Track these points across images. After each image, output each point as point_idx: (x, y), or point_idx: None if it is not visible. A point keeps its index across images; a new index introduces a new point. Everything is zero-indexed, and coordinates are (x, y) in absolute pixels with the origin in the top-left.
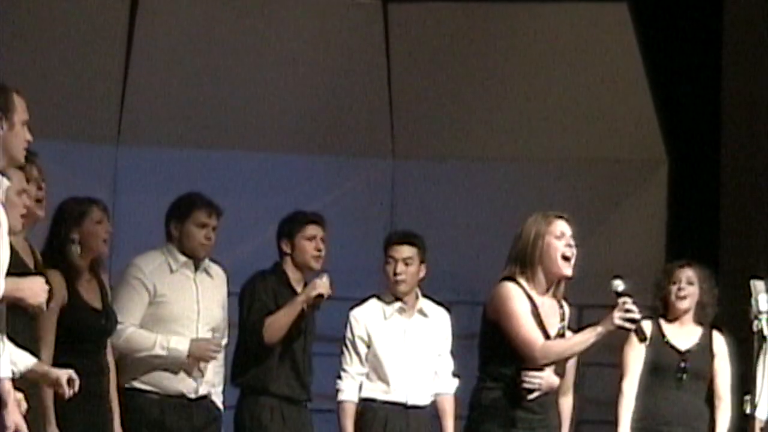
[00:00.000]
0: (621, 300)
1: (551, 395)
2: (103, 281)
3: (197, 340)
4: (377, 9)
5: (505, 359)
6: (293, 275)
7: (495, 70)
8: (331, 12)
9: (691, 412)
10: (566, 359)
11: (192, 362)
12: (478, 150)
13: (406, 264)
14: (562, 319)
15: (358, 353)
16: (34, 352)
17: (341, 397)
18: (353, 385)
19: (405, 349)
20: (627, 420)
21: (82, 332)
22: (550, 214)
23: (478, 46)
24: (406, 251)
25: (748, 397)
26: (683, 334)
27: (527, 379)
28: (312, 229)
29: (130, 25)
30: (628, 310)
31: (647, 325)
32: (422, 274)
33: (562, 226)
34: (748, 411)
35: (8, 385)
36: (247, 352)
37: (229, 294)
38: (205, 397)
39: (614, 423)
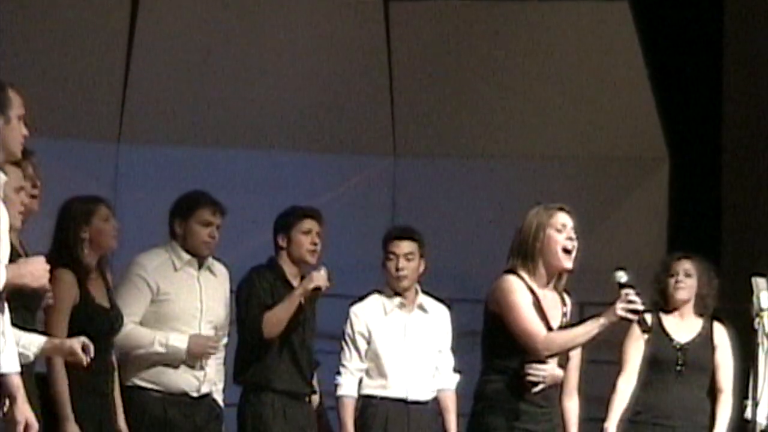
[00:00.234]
0: (624, 291)
1: (555, 388)
2: (108, 280)
3: (196, 337)
4: (378, 7)
5: (509, 352)
6: (289, 270)
7: (496, 67)
8: (333, 10)
9: (691, 405)
10: (568, 351)
11: (191, 359)
12: (479, 147)
13: (408, 259)
14: (565, 313)
15: (357, 349)
16: None
17: (340, 392)
18: (352, 381)
19: (405, 344)
20: (616, 416)
21: (93, 331)
22: (551, 207)
23: (479, 44)
24: (407, 247)
25: (747, 402)
26: (683, 327)
27: (531, 371)
28: (308, 224)
29: (131, 23)
30: (630, 301)
31: (649, 317)
32: (422, 269)
33: (563, 219)
34: (749, 416)
35: (17, 380)
36: (248, 349)
37: (231, 291)
38: (207, 396)
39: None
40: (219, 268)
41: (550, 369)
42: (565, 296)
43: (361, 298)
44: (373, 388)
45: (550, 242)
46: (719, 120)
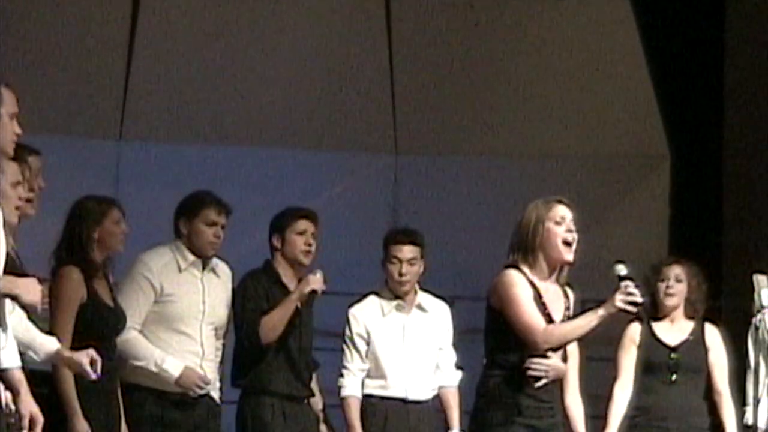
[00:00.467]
0: (623, 283)
1: (557, 383)
2: (110, 281)
3: (190, 370)
4: (380, 4)
5: (511, 347)
6: (284, 272)
7: (498, 65)
8: (334, 7)
9: (686, 407)
10: (568, 343)
11: (178, 387)
12: (480, 145)
13: (411, 264)
14: (567, 307)
15: (358, 350)
16: None
17: (345, 393)
18: (356, 381)
19: (404, 345)
20: (615, 423)
21: (98, 329)
22: (550, 200)
23: (481, 41)
24: (410, 251)
25: (747, 408)
26: (674, 331)
27: (533, 366)
28: (303, 224)
29: (133, 20)
30: (630, 294)
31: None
32: (421, 269)
33: (562, 211)
34: (750, 422)
35: (19, 374)
36: (245, 354)
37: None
38: (205, 394)
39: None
40: (223, 268)
41: (552, 363)
42: (568, 290)
43: (359, 300)
44: (373, 387)
45: (549, 235)
46: (721, 118)
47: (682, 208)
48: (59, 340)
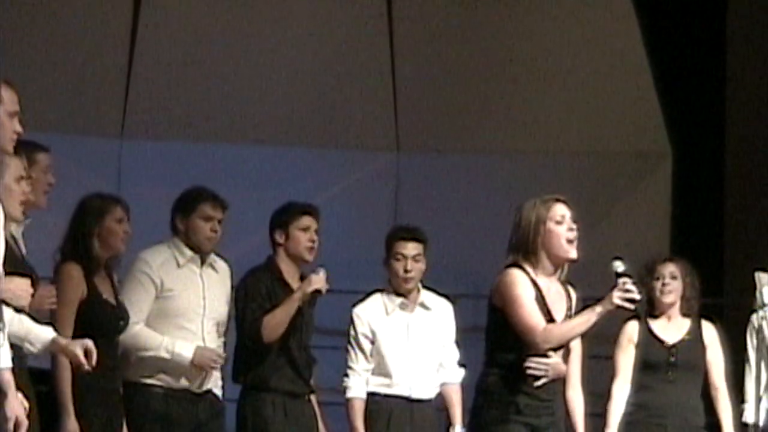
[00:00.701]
0: (621, 280)
1: (558, 381)
2: (114, 281)
3: (202, 349)
4: (381, 3)
5: (511, 346)
6: (287, 269)
7: (499, 63)
8: (335, 5)
9: (684, 404)
10: (568, 342)
11: (193, 369)
12: (482, 143)
13: (416, 261)
14: (570, 306)
15: (362, 350)
16: None
17: (350, 394)
18: (360, 382)
19: (408, 343)
20: (615, 421)
21: (100, 326)
22: (547, 199)
23: (482, 39)
24: (415, 248)
25: (745, 406)
26: (671, 328)
27: (533, 365)
28: (306, 220)
29: (134, 19)
30: (627, 290)
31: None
32: (424, 267)
33: (561, 210)
34: (750, 420)
35: (8, 376)
36: (247, 352)
37: (233, 288)
38: (209, 391)
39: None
40: (221, 264)
41: (552, 362)
42: (570, 289)
43: (363, 299)
44: (377, 386)
45: (551, 236)
46: (722, 115)
47: (684, 205)
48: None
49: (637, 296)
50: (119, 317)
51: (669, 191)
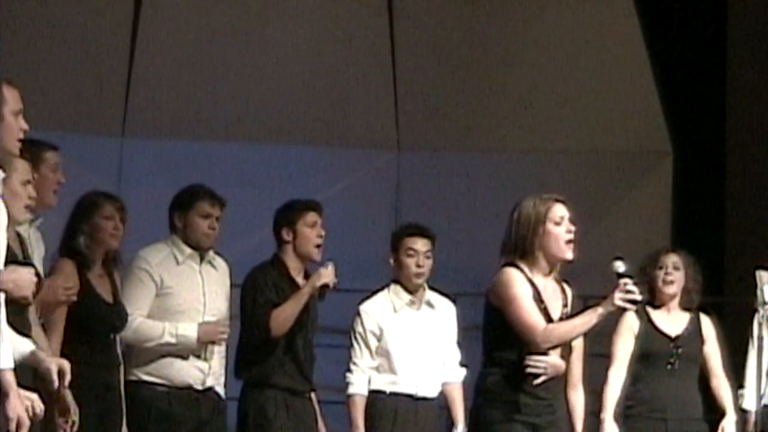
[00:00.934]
0: (622, 281)
1: (558, 380)
2: (115, 279)
3: (205, 324)
4: (382, 2)
5: (509, 345)
6: (293, 265)
7: (499, 62)
8: (337, 4)
9: (684, 397)
10: (568, 342)
11: (202, 347)
12: (482, 142)
13: (427, 257)
14: (565, 304)
15: (368, 347)
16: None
17: (351, 390)
18: (363, 379)
19: (414, 341)
20: (611, 407)
21: (93, 323)
22: (546, 198)
23: (483, 38)
24: (426, 244)
25: (742, 392)
26: (672, 321)
27: (532, 363)
28: (313, 216)
29: (135, 17)
30: (628, 291)
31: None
32: (431, 265)
33: (560, 211)
34: (745, 405)
35: (10, 376)
36: (251, 347)
37: (233, 286)
38: (211, 389)
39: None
40: (220, 262)
41: (551, 360)
42: (566, 286)
43: (370, 296)
44: (383, 383)
45: (550, 237)
46: (723, 114)
47: (685, 204)
48: (52, 330)
49: (638, 297)
50: (114, 317)
51: (669, 190)
